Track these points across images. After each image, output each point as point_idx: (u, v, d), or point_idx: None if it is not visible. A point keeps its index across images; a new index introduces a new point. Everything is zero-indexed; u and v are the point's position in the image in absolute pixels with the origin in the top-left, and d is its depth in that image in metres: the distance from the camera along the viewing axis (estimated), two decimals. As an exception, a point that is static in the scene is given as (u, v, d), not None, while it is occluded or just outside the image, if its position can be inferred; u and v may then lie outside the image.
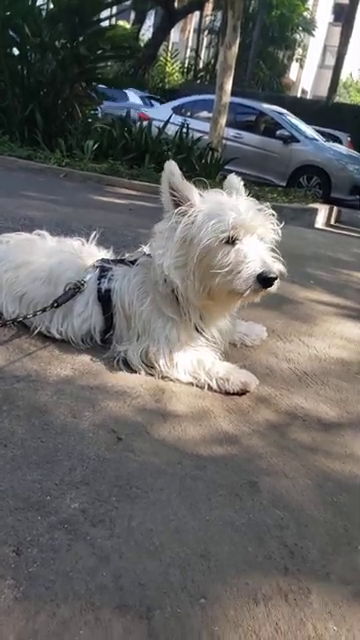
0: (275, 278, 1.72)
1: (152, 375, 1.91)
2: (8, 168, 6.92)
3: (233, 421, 1.74)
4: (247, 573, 1.15)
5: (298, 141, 10.48)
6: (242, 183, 1.99)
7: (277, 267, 1.76)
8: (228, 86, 8.75)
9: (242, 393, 1.90)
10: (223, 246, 1.74)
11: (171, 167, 1.81)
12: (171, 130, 8.43)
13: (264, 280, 1.71)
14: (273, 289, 1.76)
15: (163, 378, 1.90)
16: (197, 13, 21.51)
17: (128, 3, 16.18)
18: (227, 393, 1.89)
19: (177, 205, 1.81)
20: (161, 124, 8.37)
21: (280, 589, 1.12)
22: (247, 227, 1.75)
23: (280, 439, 1.69)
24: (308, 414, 1.87)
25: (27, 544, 1.12)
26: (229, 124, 9.36)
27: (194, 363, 1.90)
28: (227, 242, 1.74)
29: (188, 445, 1.57)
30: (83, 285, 2.03)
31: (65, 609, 1.00)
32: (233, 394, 1.89)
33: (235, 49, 8.72)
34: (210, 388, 1.89)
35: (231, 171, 8.74)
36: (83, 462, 1.41)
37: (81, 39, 8.09)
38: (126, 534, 1.20)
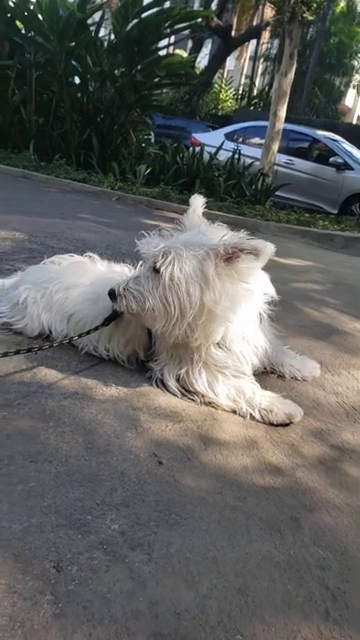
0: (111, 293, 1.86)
1: (193, 400, 1.90)
2: (64, 190, 7.16)
3: (276, 453, 1.72)
4: (286, 613, 1.12)
5: (352, 169, 10.37)
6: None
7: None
8: (282, 113, 8.80)
9: (286, 424, 1.87)
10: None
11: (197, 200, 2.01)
12: (223, 156, 8.54)
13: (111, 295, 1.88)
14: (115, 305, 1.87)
15: (206, 404, 1.90)
16: (254, 41, 21.89)
17: (186, 33, 16.64)
18: (270, 424, 1.86)
19: None
20: (213, 150, 8.49)
21: (321, 634, 1.09)
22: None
23: (325, 475, 1.65)
24: (355, 450, 1.82)
25: (67, 561, 1.14)
26: (281, 150, 9.38)
27: (233, 389, 1.89)
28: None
29: (229, 474, 1.56)
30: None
31: (101, 631, 1.00)
32: (277, 425, 1.86)
33: (291, 76, 8.78)
34: (252, 418, 1.87)
35: (282, 197, 8.70)
36: (124, 484, 1.42)
37: (139, 67, 8.38)
38: (164, 560, 1.19)
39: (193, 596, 1.12)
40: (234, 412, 1.90)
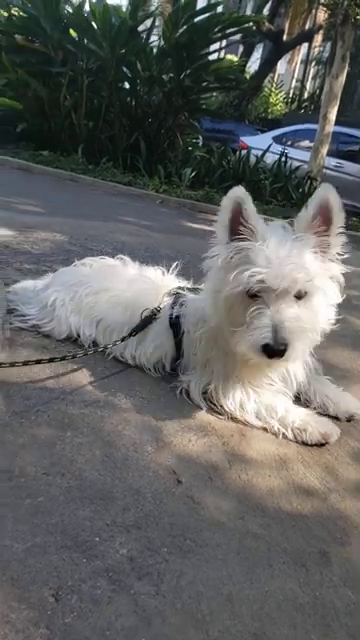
0: (283, 351, 1.49)
1: (220, 414, 1.79)
2: (109, 193, 7.19)
3: (307, 475, 1.58)
4: (306, 665, 0.99)
5: None
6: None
7: (291, 336, 1.50)
8: (332, 115, 8.56)
9: (322, 444, 1.73)
10: (247, 299, 1.55)
11: (241, 193, 1.56)
12: (270, 159, 8.38)
13: (270, 352, 1.50)
14: (284, 359, 1.53)
15: (232, 419, 1.78)
16: (305, 45, 21.48)
17: (237, 37, 16.49)
18: (304, 444, 1.72)
19: (233, 235, 1.60)
20: (261, 153, 8.34)
21: None
22: (272, 283, 1.50)
23: (360, 503, 1.50)
24: (395, 476, 1.65)
25: (67, 589, 1.05)
26: (330, 153, 9.12)
27: (263, 408, 1.76)
28: (251, 295, 1.54)
29: (254, 497, 1.44)
30: (159, 312, 1.99)
31: (95, 674, 0.91)
32: (311, 445, 1.72)
33: (342, 79, 8.54)
34: (285, 437, 1.73)
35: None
36: (138, 503, 1.33)
37: (187, 72, 8.35)
38: (173, 594, 1.09)
39: (202, 639, 1.00)
40: (265, 429, 1.77)
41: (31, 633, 0.95)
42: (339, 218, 1.60)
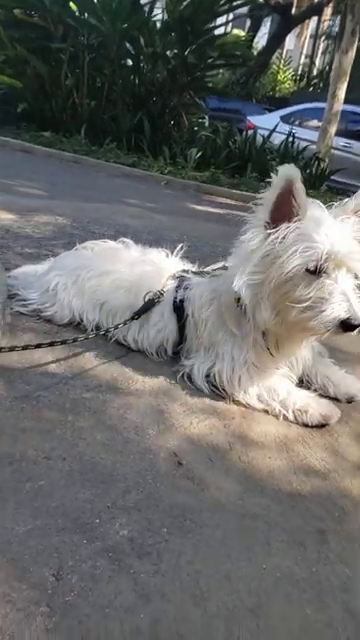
0: (358, 325, 1.51)
1: (222, 397, 1.80)
2: (113, 175, 7.15)
3: (307, 456, 1.59)
4: (301, 641, 1.01)
5: None
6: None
7: None
8: (341, 93, 8.40)
9: (322, 426, 1.74)
10: (307, 276, 1.54)
11: (294, 171, 1.53)
12: (277, 139, 8.26)
13: (348, 327, 1.51)
14: (354, 334, 1.54)
15: (234, 402, 1.79)
16: (315, 18, 20.98)
17: (244, 11, 16.13)
18: (305, 425, 1.73)
19: (275, 215, 1.59)
20: (267, 133, 8.22)
21: (338, 668, 0.98)
22: (339, 260, 1.53)
23: (359, 484, 1.51)
24: (395, 457, 1.67)
25: (68, 569, 1.08)
26: (339, 133, 8.96)
27: (265, 390, 1.77)
28: (312, 272, 1.54)
29: (254, 478, 1.45)
30: (162, 295, 1.99)
31: (95, 650, 0.94)
32: (312, 426, 1.73)
33: (352, 54, 8.35)
34: (286, 418, 1.74)
35: (338, 182, 8.31)
36: (139, 485, 1.35)
37: (192, 48, 8.19)
38: (172, 572, 1.11)
39: (200, 615, 1.03)
40: (266, 412, 1.78)
41: (32, 611, 0.97)
42: None
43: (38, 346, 1.76)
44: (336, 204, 1.69)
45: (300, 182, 1.54)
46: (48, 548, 1.11)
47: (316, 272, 1.54)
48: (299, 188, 1.54)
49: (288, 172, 1.53)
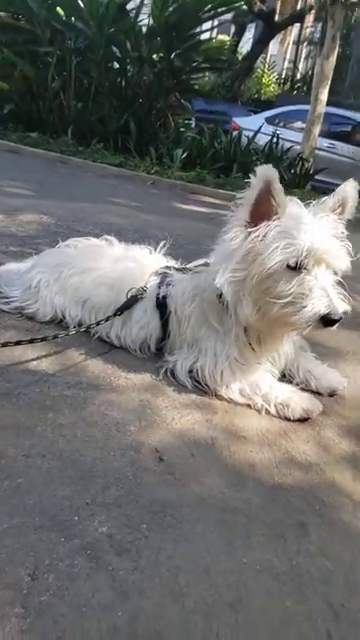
0: (339, 320, 1.52)
1: (205, 392, 1.79)
2: (99, 175, 7.11)
3: (289, 450, 1.58)
4: (281, 634, 1.00)
5: None
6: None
7: (343, 307, 1.55)
8: (323, 96, 8.47)
9: (304, 419, 1.74)
10: (288, 272, 1.55)
11: (271, 172, 1.55)
12: (263, 140, 8.29)
13: (327, 321, 1.52)
14: (334, 329, 1.55)
15: (217, 397, 1.78)
16: (297, 25, 21.11)
17: (229, 17, 16.19)
18: (287, 419, 1.73)
19: (255, 215, 1.60)
20: (252, 134, 8.26)
21: (318, 660, 0.97)
22: (319, 257, 1.55)
23: (341, 476, 1.51)
24: (377, 451, 1.66)
25: (44, 568, 1.05)
26: (323, 134, 9.02)
27: (247, 385, 1.76)
28: (293, 268, 1.55)
29: (235, 473, 1.44)
30: (145, 292, 1.98)
31: (70, 649, 0.92)
32: (294, 420, 1.73)
33: (333, 59, 8.44)
34: (268, 412, 1.74)
35: (323, 182, 8.36)
36: (119, 482, 1.33)
37: (177, 52, 8.21)
38: (151, 569, 1.09)
39: (178, 611, 1.01)
40: (249, 406, 1.77)
41: (6, 612, 0.95)
42: (353, 208, 1.71)
43: (18, 343, 1.74)
44: (314, 202, 1.69)
45: (278, 182, 1.56)
46: (24, 547, 1.09)
47: (296, 268, 1.55)
48: (277, 187, 1.56)
49: (266, 172, 1.55)
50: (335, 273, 1.62)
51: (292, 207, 1.63)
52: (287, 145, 8.15)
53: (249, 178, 1.60)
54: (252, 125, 9.19)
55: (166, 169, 7.54)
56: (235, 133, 8.40)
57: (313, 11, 16.46)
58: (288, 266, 1.55)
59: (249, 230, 1.60)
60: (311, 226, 1.57)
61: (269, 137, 8.31)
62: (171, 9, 7.91)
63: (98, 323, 1.96)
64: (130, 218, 4.52)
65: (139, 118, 8.50)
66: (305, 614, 1.05)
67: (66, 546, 1.11)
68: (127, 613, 0.99)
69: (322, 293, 1.53)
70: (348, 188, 1.69)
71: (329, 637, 1.01)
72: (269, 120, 10.12)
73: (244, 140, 8.15)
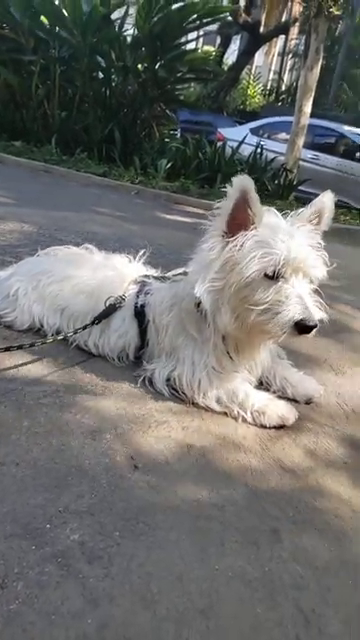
0: (315, 326, 1.54)
1: (182, 400, 1.80)
2: (83, 184, 7.12)
3: (265, 457, 1.59)
4: (250, 640, 1.01)
5: (379, 164, 10.05)
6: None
7: (319, 314, 1.57)
8: (307, 108, 8.59)
9: (280, 427, 1.75)
10: (265, 281, 1.56)
11: (247, 182, 1.56)
12: (247, 151, 8.38)
13: (302, 328, 1.53)
14: (310, 336, 1.57)
15: (194, 405, 1.79)
16: (282, 37, 21.45)
17: (214, 28, 16.39)
18: (263, 426, 1.74)
19: (232, 224, 1.61)
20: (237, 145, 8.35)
21: (286, 665, 0.97)
22: (296, 266, 1.57)
23: (315, 483, 1.52)
24: (353, 457, 1.68)
25: (14, 576, 1.05)
26: (307, 146, 9.15)
27: (224, 393, 1.77)
28: (270, 277, 1.56)
29: (210, 480, 1.45)
30: (123, 300, 1.99)
31: (38, 657, 0.91)
32: (270, 428, 1.74)
33: (317, 71, 8.57)
34: (244, 420, 1.75)
35: (306, 192, 8.47)
36: (93, 489, 1.33)
37: (161, 63, 8.29)
38: (122, 576, 1.09)
39: (149, 618, 1.01)
40: (225, 414, 1.78)
41: (-26, 620, 0.94)
42: (329, 219, 1.73)
43: (-6, 352, 1.74)
44: (291, 213, 1.72)
45: (254, 191, 1.57)
46: (-6, 555, 1.08)
47: (274, 277, 1.57)
48: (253, 197, 1.57)
49: (242, 183, 1.56)
50: (312, 282, 1.64)
51: (269, 217, 1.65)
52: (271, 156, 8.24)
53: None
54: (237, 136, 9.29)
55: (150, 179, 7.58)
56: (220, 144, 8.48)
57: (297, 23, 16.76)
58: (266, 275, 1.56)
59: (227, 240, 1.62)
60: (288, 235, 1.59)
61: (253, 148, 8.41)
62: (155, 19, 7.97)
63: (76, 331, 1.96)
64: (113, 227, 4.53)
65: (124, 128, 8.54)
66: (276, 620, 1.05)
67: (37, 554, 1.11)
68: (97, 620, 0.99)
69: (298, 300, 1.55)
70: (325, 199, 1.71)
71: (299, 642, 1.02)
72: (254, 131, 10.24)
73: (228, 151, 8.22)
